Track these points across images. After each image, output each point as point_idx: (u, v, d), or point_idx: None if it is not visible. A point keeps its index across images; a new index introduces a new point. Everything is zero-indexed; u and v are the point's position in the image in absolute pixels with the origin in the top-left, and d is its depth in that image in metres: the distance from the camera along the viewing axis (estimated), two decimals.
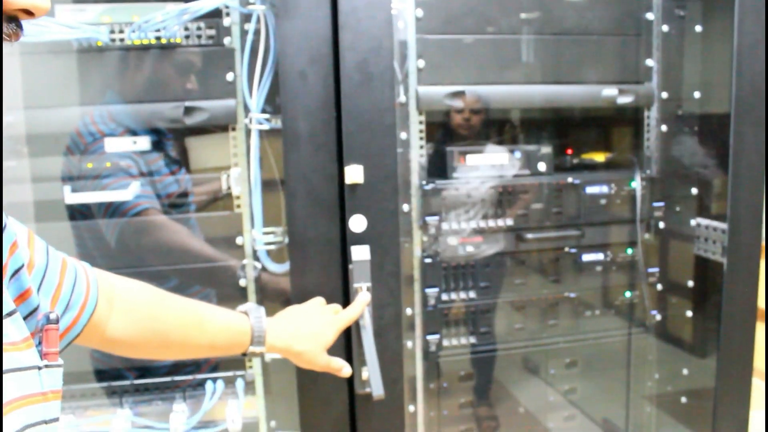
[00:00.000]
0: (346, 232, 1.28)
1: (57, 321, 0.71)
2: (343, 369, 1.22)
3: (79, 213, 1.46)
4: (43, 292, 0.81)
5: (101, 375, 1.53)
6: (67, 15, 1.39)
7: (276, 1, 1.28)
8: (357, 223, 1.28)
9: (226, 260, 1.46)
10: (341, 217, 1.30)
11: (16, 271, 0.71)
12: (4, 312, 0.62)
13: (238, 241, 1.45)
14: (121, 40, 1.39)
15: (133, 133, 1.44)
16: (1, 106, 1.36)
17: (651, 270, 1.67)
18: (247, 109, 1.40)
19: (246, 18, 1.39)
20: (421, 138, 1.48)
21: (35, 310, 0.71)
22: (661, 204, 1.65)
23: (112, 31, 1.38)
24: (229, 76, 1.41)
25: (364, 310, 1.25)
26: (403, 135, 1.46)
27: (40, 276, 0.82)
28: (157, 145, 1.47)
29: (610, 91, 1.55)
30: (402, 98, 1.45)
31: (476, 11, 1.48)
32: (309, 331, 1.19)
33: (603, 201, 1.60)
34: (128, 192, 1.41)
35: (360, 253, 1.27)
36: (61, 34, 1.34)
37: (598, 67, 1.58)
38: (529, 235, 1.54)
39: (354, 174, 1.27)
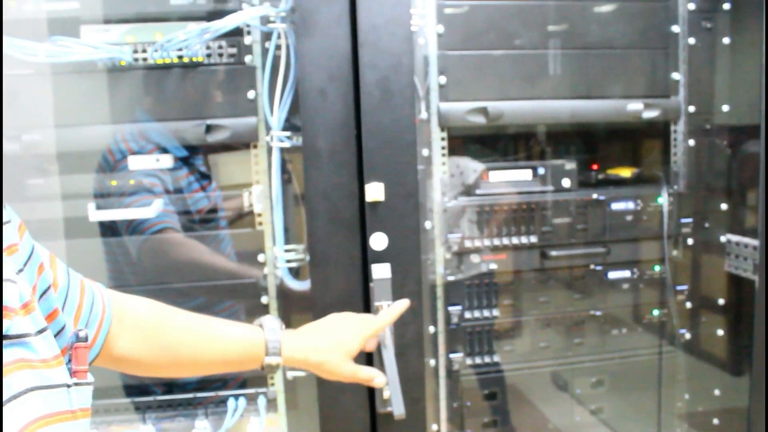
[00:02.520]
0: (367, 250, 1.27)
1: (86, 339, 0.71)
2: (375, 379, 1.12)
3: (109, 230, 1.48)
4: (66, 311, 0.82)
5: (126, 390, 1.54)
6: (92, 35, 1.41)
7: (296, 20, 1.28)
8: (378, 241, 1.27)
9: (247, 273, 1.46)
10: (362, 235, 1.29)
11: (45, 291, 0.72)
12: (37, 329, 0.63)
13: (260, 258, 1.45)
14: (144, 59, 1.40)
15: (164, 150, 1.45)
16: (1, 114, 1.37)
17: (680, 287, 1.63)
18: (268, 127, 1.40)
19: (267, 36, 1.39)
20: (443, 154, 1.47)
21: (62, 329, 0.72)
22: (689, 220, 1.62)
23: (136, 51, 1.40)
24: (251, 94, 1.42)
25: (394, 317, 1.17)
26: (424, 151, 1.45)
27: (63, 296, 0.82)
28: (185, 162, 1.48)
29: (635, 106, 1.53)
30: (423, 115, 1.44)
31: (498, 26, 1.47)
32: (330, 339, 1.11)
33: (629, 217, 1.57)
34: (150, 210, 1.42)
35: (381, 271, 1.26)
36: (86, 55, 1.36)
37: (623, 81, 1.55)
38: (554, 252, 1.52)
39: (375, 192, 1.26)
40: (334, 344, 1.10)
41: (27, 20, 1.38)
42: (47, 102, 1.45)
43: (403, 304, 1.19)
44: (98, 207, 1.43)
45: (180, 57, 1.40)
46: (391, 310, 1.17)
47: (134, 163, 1.45)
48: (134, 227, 1.44)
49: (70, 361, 0.68)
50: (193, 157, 1.50)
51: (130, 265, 1.48)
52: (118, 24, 1.42)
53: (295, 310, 1.47)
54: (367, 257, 1.28)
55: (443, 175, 1.48)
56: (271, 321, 1.09)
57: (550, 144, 1.67)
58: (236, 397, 1.49)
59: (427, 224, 1.47)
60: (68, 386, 0.63)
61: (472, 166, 1.54)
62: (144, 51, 1.40)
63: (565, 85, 1.53)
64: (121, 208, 1.43)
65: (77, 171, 1.50)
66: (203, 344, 1.03)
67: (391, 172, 1.27)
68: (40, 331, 0.63)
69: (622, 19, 1.53)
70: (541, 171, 1.55)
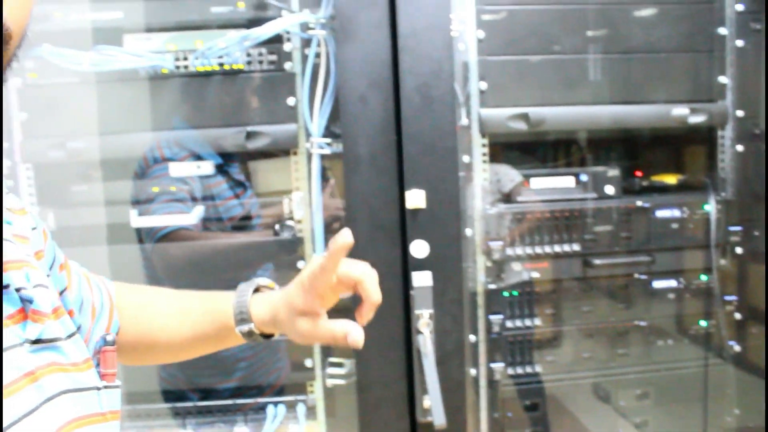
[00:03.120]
0: (408, 257, 1.27)
1: (114, 343, 0.71)
2: (348, 336, 0.83)
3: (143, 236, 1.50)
4: (83, 312, 0.83)
5: (166, 395, 1.55)
6: (135, 44, 1.43)
7: (336, 26, 1.29)
8: (418, 248, 1.27)
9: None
10: (402, 243, 1.28)
11: (62, 293, 0.74)
12: (67, 333, 0.64)
13: (300, 265, 1.46)
14: (186, 66, 1.42)
15: (198, 157, 1.47)
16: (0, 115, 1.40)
17: (728, 298, 1.59)
18: (308, 134, 1.40)
19: (306, 43, 1.40)
20: (484, 161, 1.46)
21: (78, 329, 0.72)
22: (738, 228, 1.58)
23: (177, 59, 1.42)
24: (291, 101, 1.42)
25: (336, 258, 0.83)
26: (465, 158, 1.44)
27: (79, 298, 0.83)
28: (221, 169, 1.49)
29: (681, 111, 1.50)
30: (464, 121, 1.43)
31: (539, 31, 1.45)
32: (285, 296, 0.88)
33: (675, 225, 1.53)
34: (192, 216, 1.43)
35: (421, 279, 1.25)
36: (129, 63, 1.38)
37: (668, 85, 1.52)
38: (597, 261, 1.50)
39: (415, 199, 1.25)
40: (286, 300, 0.88)
41: (73, 30, 1.41)
42: (91, 110, 1.48)
43: (343, 239, 0.81)
44: (140, 213, 1.45)
45: (220, 64, 1.41)
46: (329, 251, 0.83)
47: (173, 169, 1.46)
48: (147, 232, 1.46)
49: (98, 364, 0.69)
50: (228, 164, 1.51)
51: (165, 270, 1.50)
52: (160, 32, 1.44)
53: (337, 318, 1.47)
54: (407, 265, 1.28)
55: (484, 182, 1.46)
56: (248, 284, 0.93)
57: (592, 150, 1.65)
58: (275, 404, 1.50)
59: (468, 231, 1.45)
60: (98, 389, 0.64)
61: (510, 175, 1.52)
62: (185, 59, 1.42)
63: (607, 90, 1.51)
64: (151, 215, 1.45)
65: (120, 178, 1.52)
66: (174, 323, 0.93)
67: (432, 179, 1.27)
68: (70, 335, 0.65)
69: (666, 21, 1.51)
70: (583, 178, 1.53)
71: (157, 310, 0.94)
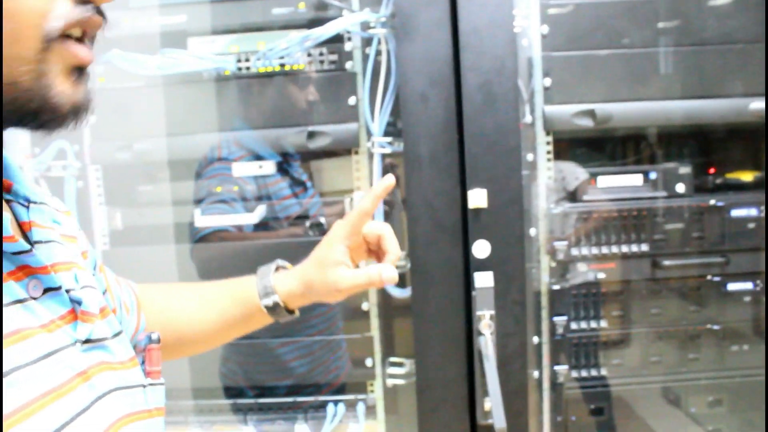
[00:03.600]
0: (470, 257, 1.26)
1: (159, 341, 0.74)
2: (382, 274, 0.89)
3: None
4: (119, 312, 0.86)
5: (227, 392, 1.59)
6: (199, 46, 1.47)
7: (396, 24, 1.29)
8: (481, 248, 1.26)
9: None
10: (464, 243, 1.28)
11: (103, 292, 0.78)
12: (113, 332, 0.67)
13: (362, 265, 1.46)
14: (248, 68, 1.44)
15: (258, 157, 1.49)
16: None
17: None
18: (369, 133, 1.41)
19: (367, 42, 1.41)
20: (548, 159, 1.43)
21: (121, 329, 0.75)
22: None
23: (239, 60, 1.45)
24: (352, 100, 1.43)
25: (375, 201, 0.94)
26: (529, 156, 1.42)
27: (117, 297, 0.87)
28: (280, 168, 1.52)
29: (758, 105, 1.44)
30: (528, 118, 1.41)
31: (606, 24, 1.42)
32: (314, 259, 0.96)
33: (751, 225, 1.48)
34: (254, 216, 1.46)
35: (483, 279, 1.24)
36: (193, 66, 1.42)
37: (744, 78, 1.46)
38: (667, 262, 1.45)
39: (477, 198, 1.25)
40: (318, 259, 0.95)
41: (140, 35, 1.45)
42: (157, 112, 1.52)
43: (387, 182, 0.93)
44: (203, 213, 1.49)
45: (282, 65, 1.43)
46: (370, 194, 0.94)
47: (234, 169, 1.49)
48: (189, 232, 1.49)
49: (143, 362, 0.72)
50: (288, 163, 1.53)
51: (204, 273, 1.54)
52: (223, 35, 1.47)
53: (397, 317, 1.47)
54: (469, 265, 1.27)
55: (548, 180, 1.44)
56: (267, 266, 0.99)
57: (662, 146, 1.60)
58: (335, 402, 1.51)
59: (532, 231, 1.44)
60: (144, 386, 0.67)
61: (575, 173, 1.50)
62: (247, 60, 1.44)
63: (678, 84, 1.46)
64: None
65: (185, 178, 1.56)
66: (198, 313, 0.98)
67: (495, 178, 1.26)
68: (116, 335, 0.68)
69: (743, 11, 1.45)
70: (652, 175, 1.48)
71: (182, 305, 0.98)
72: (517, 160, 1.26)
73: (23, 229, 0.63)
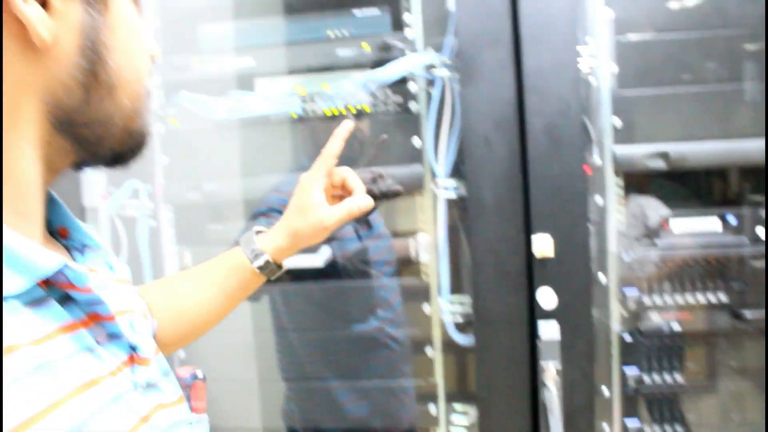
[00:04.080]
0: (534, 306, 1.24)
1: (204, 378, 0.78)
2: (359, 204, 1.05)
3: None
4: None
5: None
6: (266, 88, 1.51)
7: (459, 66, 1.29)
8: (546, 297, 1.23)
9: None
10: (529, 290, 1.25)
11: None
12: (162, 371, 0.70)
13: (425, 309, 1.46)
14: (313, 109, 1.47)
15: None
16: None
17: None
18: (434, 175, 1.41)
19: (431, 82, 1.41)
20: (619, 202, 1.39)
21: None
22: None
23: (305, 101, 1.47)
24: (416, 142, 1.43)
25: (340, 143, 1.08)
26: (598, 199, 1.39)
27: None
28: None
29: None
30: (597, 160, 1.38)
31: (680, 60, 1.37)
32: (293, 207, 1.06)
33: None
34: (319, 259, 1.48)
35: (549, 330, 1.22)
36: (259, 109, 1.46)
37: None
38: (749, 313, 1.38)
39: (542, 245, 1.22)
40: (298, 209, 1.06)
41: (209, 78, 1.51)
42: (226, 153, 1.57)
43: (348, 125, 1.10)
44: None
45: (346, 106, 1.45)
46: (334, 137, 1.09)
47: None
48: None
49: (189, 398, 0.75)
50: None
51: (285, 305, 1.56)
52: (290, 76, 1.51)
53: (462, 364, 1.46)
54: (534, 313, 1.25)
55: (619, 224, 1.40)
56: (249, 232, 1.07)
57: (742, 186, 1.53)
58: None
59: (601, 277, 1.40)
60: (190, 423, 0.71)
61: (656, 208, 1.44)
62: (313, 101, 1.47)
63: (758, 121, 1.39)
64: None
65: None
66: (198, 291, 1.04)
67: (561, 224, 1.23)
68: (165, 374, 0.71)
69: None
70: (732, 219, 1.42)
71: (185, 293, 1.04)
72: (584, 206, 1.23)
73: None
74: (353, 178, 1.09)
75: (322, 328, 1.53)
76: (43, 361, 0.51)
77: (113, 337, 0.63)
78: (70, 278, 0.57)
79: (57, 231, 0.68)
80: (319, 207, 1.05)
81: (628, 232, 1.42)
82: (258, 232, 1.07)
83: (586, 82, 1.36)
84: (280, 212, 1.07)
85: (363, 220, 1.57)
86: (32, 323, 0.53)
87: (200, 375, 0.81)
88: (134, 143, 0.66)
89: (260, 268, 1.03)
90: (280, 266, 1.06)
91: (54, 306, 0.56)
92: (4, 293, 0.51)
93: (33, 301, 0.54)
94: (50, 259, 0.54)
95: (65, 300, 0.59)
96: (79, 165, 0.65)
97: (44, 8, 0.54)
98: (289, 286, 1.52)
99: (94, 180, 1.55)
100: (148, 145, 0.67)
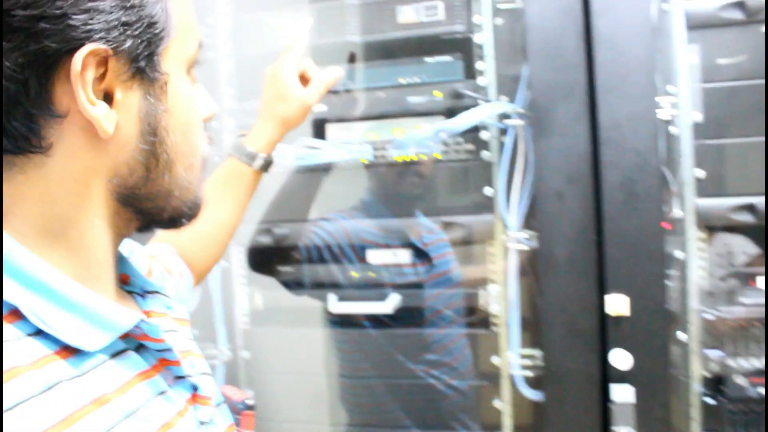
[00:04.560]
0: (607, 367, 1.20)
1: (254, 407, 0.86)
2: (332, 75, 1.27)
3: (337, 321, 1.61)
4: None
5: None
6: (337, 134, 1.53)
7: (533, 117, 1.28)
8: (620, 358, 1.20)
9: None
10: (602, 351, 1.22)
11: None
12: (217, 402, 0.76)
13: (494, 361, 1.44)
14: (384, 156, 1.48)
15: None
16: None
17: None
18: (505, 226, 1.39)
19: (503, 131, 1.40)
20: (701, 258, 1.34)
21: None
22: None
23: (376, 148, 1.49)
24: (488, 191, 1.43)
25: (304, 42, 1.27)
26: (678, 254, 1.34)
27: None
28: (415, 254, 1.54)
29: None
30: (677, 213, 1.34)
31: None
32: (273, 94, 1.23)
33: None
34: (388, 306, 1.48)
35: (622, 393, 1.18)
36: (331, 156, 1.48)
37: None
38: None
39: (617, 304, 1.19)
40: (279, 97, 1.22)
41: None
42: (295, 196, 1.60)
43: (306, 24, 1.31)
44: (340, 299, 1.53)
45: (417, 153, 1.46)
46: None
47: (372, 257, 1.53)
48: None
49: (238, 425, 0.82)
50: (419, 252, 1.54)
51: (359, 352, 1.58)
52: (361, 122, 1.53)
53: (532, 419, 1.43)
54: (607, 375, 1.21)
55: (701, 280, 1.35)
56: (236, 141, 1.21)
57: None
58: None
59: (682, 337, 1.34)
60: None
61: (744, 247, 1.38)
62: (383, 148, 1.48)
63: None
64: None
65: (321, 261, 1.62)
66: (226, 213, 1.18)
67: (637, 283, 1.20)
68: (218, 405, 0.76)
69: None
70: None
71: (201, 220, 1.13)
72: (661, 264, 1.20)
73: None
74: (313, 66, 1.27)
75: (386, 374, 1.53)
76: (128, 408, 0.59)
77: (178, 378, 0.69)
78: (145, 330, 0.64)
79: (119, 278, 0.73)
80: (297, 89, 1.21)
81: (712, 272, 1.36)
82: (240, 136, 1.22)
83: (666, 132, 1.32)
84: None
85: (421, 254, 1.56)
86: (116, 374, 0.60)
87: (251, 403, 0.85)
88: (190, 211, 0.71)
89: (260, 167, 1.19)
90: (271, 158, 1.21)
91: (132, 356, 0.64)
92: (93, 348, 0.58)
93: (115, 353, 0.62)
94: (129, 316, 0.62)
95: (139, 348, 0.66)
96: (142, 228, 0.71)
97: (109, 103, 0.59)
98: (354, 332, 1.53)
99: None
100: (201, 210, 0.73)
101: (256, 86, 1.59)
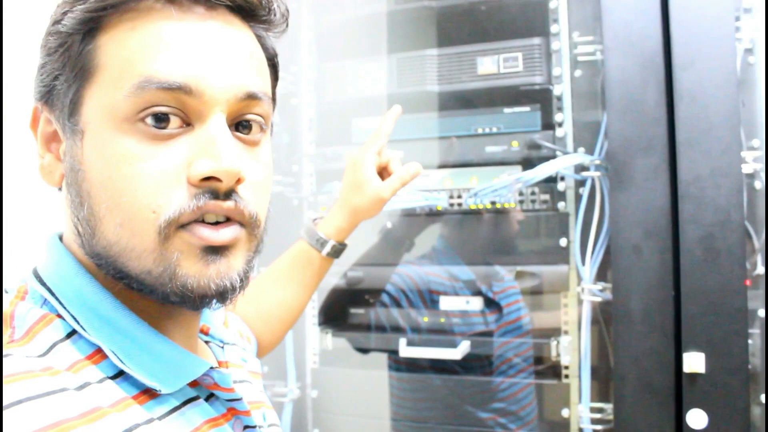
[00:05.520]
0: (683, 427, 1.20)
1: None
2: (409, 170, 1.25)
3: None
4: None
5: None
6: (414, 180, 1.59)
7: (610, 170, 1.30)
8: (696, 418, 1.19)
9: None
10: (677, 410, 1.22)
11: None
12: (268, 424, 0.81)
13: (564, 413, 1.45)
14: (459, 204, 1.53)
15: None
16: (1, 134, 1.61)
17: None
18: (580, 277, 1.41)
19: (580, 183, 1.43)
20: None
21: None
22: None
23: (451, 196, 1.54)
24: (563, 242, 1.45)
25: (391, 124, 1.28)
26: (761, 312, 1.33)
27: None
28: (486, 303, 1.57)
29: None
30: (760, 270, 1.33)
31: None
32: (349, 183, 1.23)
33: None
34: (458, 352, 1.51)
35: None
36: (408, 203, 1.54)
37: None
38: None
39: (694, 362, 1.19)
40: (354, 186, 1.22)
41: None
42: (367, 240, 1.66)
43: (396, 110, 1.31)
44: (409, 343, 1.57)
45: (493, 203, 1.50)
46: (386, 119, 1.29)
47: (444, 303, 1.57)
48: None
49: None
50: (491, 302, 1.57)
51: (424, 400, 1.61)
52: (438, 170, 1.58)
53: None
54: None
55: None
56: (308, 225, 1.23)
57: None
58: None
59: (763, 398, 1.33)
60: None
61: None
62: (459, 197, 1.53)
63: None
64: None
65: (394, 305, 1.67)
66: (292, 295, 1.21)
67: (715, 341, 1.19)
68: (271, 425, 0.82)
69: None
70: None
71: (267, 298, 1.21)
72: (743, 323, 1.19)
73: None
74: (396, 160, 1.27)
75: (450, 420, 1.55)
76: None
77: (248, 428, 0.73)
78: (216, 380, 0.68)
79: (200, 329, 0.79)
80: (372, 182, 1.21)
81: None
82: (314, 220, 1.25)
83: (749, 187, 1.33)
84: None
85: (491, 303, 1.58)
86: (186, 420, 0.64)
87: None
88: (173, 288, 0.62)
89: (329, 254, 1.21)
90: (343, 245, 1.23)
91: (202, 404, 0.67)
92: (164, 391, 0.62)
93: (186, 400, 0.66)
94: (199, 364, 0.67)
95: (210, 397, 0.70)
96: (180, 304, 0.65)
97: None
98: (417, 376, 1.57)
99: None
100: (205, 297, 0.63)
101: (335, 132, 1.68)
